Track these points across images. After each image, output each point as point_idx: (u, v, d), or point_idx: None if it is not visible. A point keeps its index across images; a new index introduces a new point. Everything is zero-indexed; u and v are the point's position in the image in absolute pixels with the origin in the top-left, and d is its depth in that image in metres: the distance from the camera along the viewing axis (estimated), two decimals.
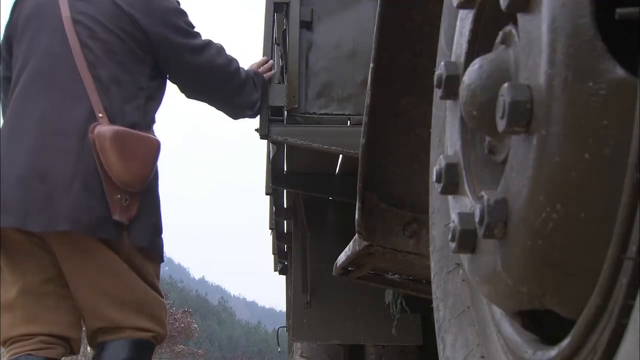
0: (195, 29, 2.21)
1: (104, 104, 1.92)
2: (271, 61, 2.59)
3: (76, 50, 1.95)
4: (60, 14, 1.99)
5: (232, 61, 2.28)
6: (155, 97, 2.12)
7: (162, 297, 2.12)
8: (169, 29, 2.09)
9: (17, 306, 1.92)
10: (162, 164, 2.14)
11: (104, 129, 1.88)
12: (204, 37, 2.25)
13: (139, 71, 2.05)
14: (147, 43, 2.06)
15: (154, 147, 2.00)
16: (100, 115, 1.91)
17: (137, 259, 1.99)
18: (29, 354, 1.87)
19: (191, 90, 2.30)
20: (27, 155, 1.88)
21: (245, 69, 2.43)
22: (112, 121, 1.91)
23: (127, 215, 1.91)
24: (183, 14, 2.17)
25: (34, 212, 1.83)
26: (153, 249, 2.04)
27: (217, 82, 2.24)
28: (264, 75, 2.47)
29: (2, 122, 2.06)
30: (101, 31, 1.99)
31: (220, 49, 2.26)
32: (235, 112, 2.40)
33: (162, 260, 2.15)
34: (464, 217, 0.70)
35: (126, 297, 1.96)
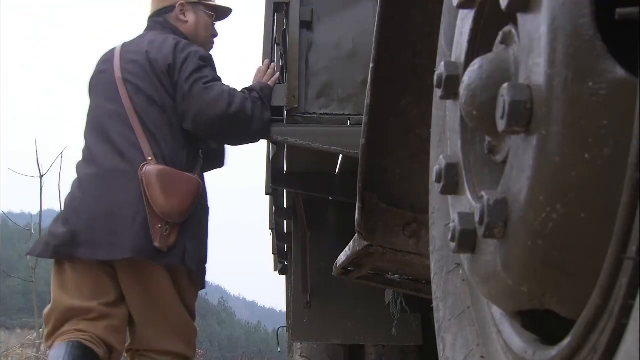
0: (208, 68, 2.41)
1: (153, 148, 2.27)
2: (273, 64, 2.62)
3: (127, 105, 2.32)
4: (114, 75, 2.39)
5: (232, 103, 2.36)
6: (195, 140, 2.43)
7: (195, 321, 2.46)
8: (185, 63, 2.36)
9: (77, 309, 2.25)
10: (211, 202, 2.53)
11: (151, 167, 2.23)
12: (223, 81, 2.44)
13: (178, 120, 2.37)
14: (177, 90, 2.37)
15: (194, 186, 2.31)
16: (150, 158, 2.26)
17: (184, 282, 2.34)
18: (81, 342, 2.17)
19: (208, 135, 2.51)
20: (94, 198, 2.26)
21: (251, 84, 2.54)
22: (159, 163, 2.26)
23: (166, 243, 2.21)
24: (201, 56, 2.41)
25: (103, 245, 2.19)
26: (198, 275, 2.39)
27: (226, 127, 2.40)
28: (270, 82, 2.55)
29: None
30: (144, 85, 2.35)
31: (224, 92, 2.38)
32: (254, 139, 2.54)
33: (203, 287, 2.49)
34: (464, 217, 0.70)
35: (170, 322, 2.33)
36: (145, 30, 2.61)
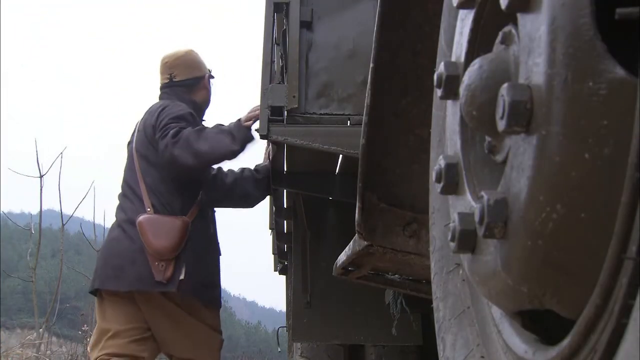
0: (176, 123, 2.83)
1: (152, 200, 2.82)
2: (257, 106, 2.79)
3: (137, 167, 2.90)
4: (132, 146, 2.98)
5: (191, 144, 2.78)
6: (188, 187, 2.90)
7: (221, 334, 2.98)
8: (161, 122, 2.86)
9: (111, 332, 2.77)
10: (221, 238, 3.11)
11: (142, 217, 2.77)
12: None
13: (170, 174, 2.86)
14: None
15: (178, 226, 2.77)
16: (149, 209, 2.80)
17: (195, 306, 2.84)
18: None
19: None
20: (112, 242, 2.87)
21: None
22: (156, 212, 2.80)
23: (164, 276, 2.70)
24: (175, 115, 2.86)
25: (112, 278, 2.75)
26: (205, 299, 2.89)
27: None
28: (244, 117, 2.91)
29: None
30: (144, 150, 2.91)
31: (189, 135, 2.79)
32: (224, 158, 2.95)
33: (220, 306, 3.02)
34: (464, 217, 0.70)
35: (192, 337, 2.83)
36: (159, 98, 3.15)
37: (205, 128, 2.88)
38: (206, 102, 3.17)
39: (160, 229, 2.73)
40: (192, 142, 2.74)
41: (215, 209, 3.16)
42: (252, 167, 3.21)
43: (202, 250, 2.89)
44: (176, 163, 2.77)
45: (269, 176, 3.06)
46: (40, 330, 7.74)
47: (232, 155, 2.87)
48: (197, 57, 3.17)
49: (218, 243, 3.09)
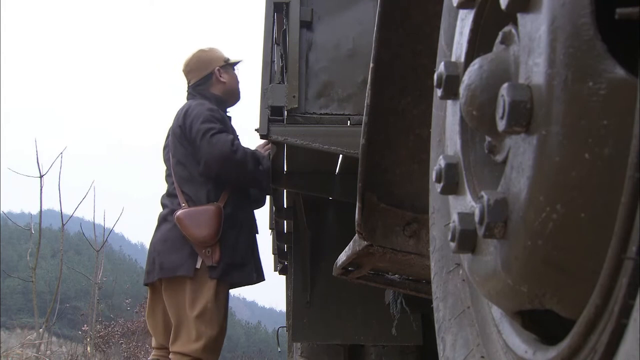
0: (213, 123, 3.07)
1: (185, 196, 3.08)
2: (269, 145, 2.94)
3: (172, 167, 3.18)
4: (169, 149, 3.25)
5: (236, 150, 3.05)
6: (214, 179, 3.09)
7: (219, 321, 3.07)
8: (193, 123, 3.08)
9: (158, 326, 3.15)
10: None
11: (179, 212, 3.01)
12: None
13: (197, 168, 3.10)
14: (192, 144, 3.11)
15: (212, 213, 2.99)
16: (183, 204, 3.06)
17: (215, 289, 2.98)
18: None
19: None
20: (154, 238, 3.17)
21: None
22: (190, 205, 3.05)
23: (214, 259, 2.95)
24: (205, 117, 3.08)
25: (151, 273, 3.07)
26: (226, 278, 3.04)
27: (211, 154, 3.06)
28: (264, 148, 3.16)
29: None
30: (174, 151, 3.17)
31: (227, 141, 3.04)
32: (252, 183, 3.23)
33: (252, 280, 3.18)
34: (464, 217, 0.70)
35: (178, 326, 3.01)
36: (186, 99, 3.39)
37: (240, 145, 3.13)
38: (228, 93, 3.32)
39: (198, 219, 2.97)
40: (254, 155, 3.10)
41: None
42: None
43: (235, 233, 3.09)
44: (233, 165, 3.02)
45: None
46: (40, 330, 7.74)
47: (263, 192, 3.31)
48: (203, 56, 3.34)
49: (254, 223, 3.30)
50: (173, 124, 3.21)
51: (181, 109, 3.20)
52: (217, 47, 3.41)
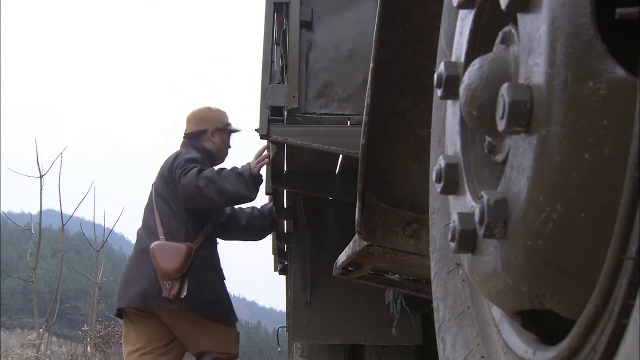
0: (194, 163, 3.30)
1: (164, 230, 3.29)
2: (266, 152, 3.18)
3: (153, 203, 3.39)
4: (154, 187, 3.48)
5: (203, 181, 3.22)
6: (195, 219, 3.33)
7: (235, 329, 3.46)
8: (177, 164, 3.32)
9: (137, 353, 3.24)
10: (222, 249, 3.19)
11: (154, 244, 3.23)
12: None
13: (180, 206, 3.31)
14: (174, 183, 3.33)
15: (183, 250, 3.20)
16: (162, 237, 3.27)
17: (201, 320, 3.22)
18: None
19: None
20: (130, 265, 3.41)
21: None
22: (167, 239, 3.26)
23: (170, 293, 3.12)
24: (188, 158, 3.32)
25: (131, 297, 3.21)
26: (212, 315, 3.26)
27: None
28: (253, 162, 3.28)
29: None
30: (160, 188, 3.41)
31: (193, 174, 3.24)
32: (237, 200, 3.40)
33: (233, 321, 3.45)
34: (464, 217, 0.70)
35: (204, 333, 3.27)
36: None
37: (223, 169, 3.32)
38: (216, 153, 3.56)
39: (167, 253, 3.20)
40: (216, 180, 3.20)
41: (220, 241, 3.61)
42: (259, 207, 3.80)
43: (205, 273, 3.28)
44: (200, 197, 3.20)
45: (272, 213, 3.69)
46: (40, 330, 7.74)
47: (248, 200, 3.35)
48: (206, 113, 3.64)
49: (221, 269, 3.48)
50: (162, 166, 3.47)
51: (172, 155, 3.48)
52: (225, 111, 3.69)
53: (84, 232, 9.73)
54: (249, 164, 3.30)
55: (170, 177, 3.36)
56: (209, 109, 3.66)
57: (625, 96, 0.51)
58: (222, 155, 3.60)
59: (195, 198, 3.22)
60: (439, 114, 1.00)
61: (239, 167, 3.33)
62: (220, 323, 3.29)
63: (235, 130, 3.66)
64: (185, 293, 3.14)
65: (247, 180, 3.24)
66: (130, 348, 3.24)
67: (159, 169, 3.54)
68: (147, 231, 3.37)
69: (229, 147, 3.65)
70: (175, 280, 3.15)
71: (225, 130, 3.59)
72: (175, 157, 3.41)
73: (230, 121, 3.65)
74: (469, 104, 0.68)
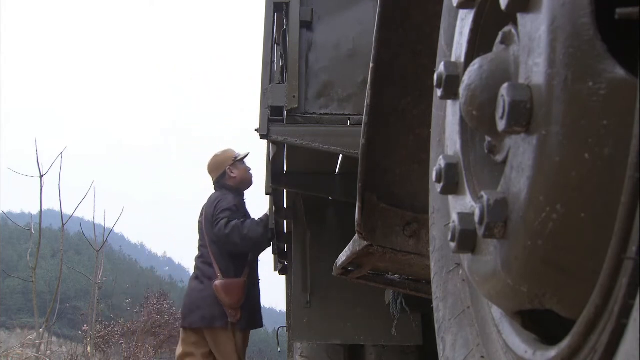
0: (225, 214, 4.25)
1: (219, 266, 4.24)
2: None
3: (207, 242, 4.34)
4: (202, 225, 4.44)
5: (232, 231, 4.21)
6: (239, 256, 4.30)
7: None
8: (213, 216, 4.30)
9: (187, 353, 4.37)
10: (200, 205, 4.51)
11: (217, 282, 4.18)
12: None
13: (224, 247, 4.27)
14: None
15: (239, 286, 4.20)
16: (219, 274, 4.20)
17: (238, 336, 4.23)
18: None
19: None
20: (193, 292, 4.36)
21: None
22: (224, 276, 4.20)
23: (235, 318, 4.14)
24: (223, 208, 4.27)
25: (186, 319, 4.32)
26: (249, 327, 4.39)
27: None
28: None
29: None
30: (208, 230, 4.31)
31: (222, 226, 4.23)
32: (257, 246, 4.45)
33: (259, 326, 4.55)
34: (464, 217, 0.70)
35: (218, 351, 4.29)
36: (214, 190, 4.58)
37: (246, 220, 4.26)
38: (240, 183, 4.46)
39: (229, 289, 4.15)
40: (239, 228, 4.14)
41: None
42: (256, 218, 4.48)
43: (254, 295, 4.37)
44: (228, 243, 4.18)
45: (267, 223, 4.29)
46: (40, 330, 7.74)
47: (267, 242, 4.44)
48: (216, 160, 4.50)
49: (259, 280, 4.53)
50: (207, 209, 4.36)
51: (213, 199, 4.38)
52: (229, 148, 4.57)
53: (84, 232, 9.73)
54: (266, 214, 4.24)
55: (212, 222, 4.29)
56: (216, 155, 4.54)
57: (625, 96, 0.51)
58: (246, 180, 4.50)
59: (224, 244, 4.19)
60: (439, 114, 1.00)
61: (262, 215, 4.32)
62: (247, 332, 4.40)
63: (243, 157, 4.50)
64: (241, 315, 4.19)
65: (265, 222, 4.18)
66: (188, 350, 4.26)
67: (203, 208, 4.46)
68: (205, 263, 4.31)
69: (249, 169, 4.53)
70: (237, 309, 4.17)
71: (236, 162, 4.46)
72: (215, 204, 4.29)
73: (236, 154, 4.50)
74: (469, 104, 0.68)
